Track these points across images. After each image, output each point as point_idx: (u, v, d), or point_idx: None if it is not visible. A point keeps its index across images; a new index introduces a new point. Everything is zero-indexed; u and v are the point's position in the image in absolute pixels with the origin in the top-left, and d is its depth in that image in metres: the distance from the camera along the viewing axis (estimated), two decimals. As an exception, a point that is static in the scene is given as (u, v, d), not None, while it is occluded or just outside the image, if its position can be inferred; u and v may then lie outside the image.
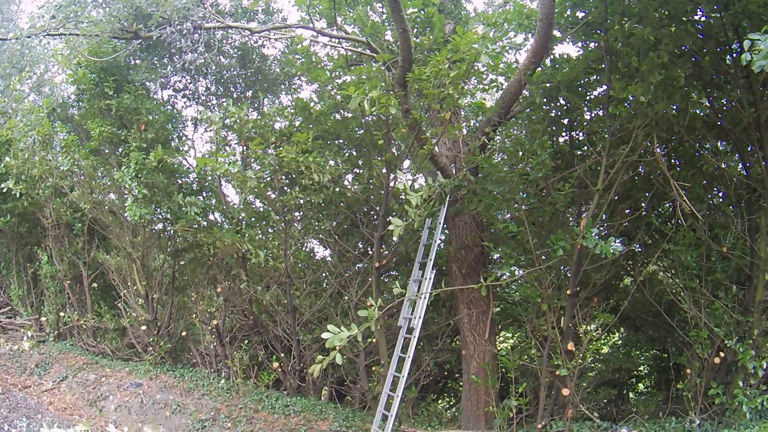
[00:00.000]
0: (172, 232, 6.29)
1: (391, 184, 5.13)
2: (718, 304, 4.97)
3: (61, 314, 8.03)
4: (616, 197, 5.50)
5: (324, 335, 4.05)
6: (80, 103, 7.14)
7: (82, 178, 6.97)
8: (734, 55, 4.81)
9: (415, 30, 5.43)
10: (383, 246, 5.57)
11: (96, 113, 6.60)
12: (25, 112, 7.30)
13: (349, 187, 5.83)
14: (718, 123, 5.38)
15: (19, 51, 7.59)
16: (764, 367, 4.73)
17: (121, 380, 6.98)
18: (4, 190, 7.34)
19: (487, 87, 5.13)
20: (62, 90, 7.98)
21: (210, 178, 6.43)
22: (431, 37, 5.21)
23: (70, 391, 7.06)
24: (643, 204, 5.85)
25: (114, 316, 7.49)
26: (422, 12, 5.38)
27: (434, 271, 4.93)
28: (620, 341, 7.79)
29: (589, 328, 5.85)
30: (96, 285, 8.01)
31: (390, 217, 4.71)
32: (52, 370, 7.57)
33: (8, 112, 8.24)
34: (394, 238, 4.74)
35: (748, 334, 4.86)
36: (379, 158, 5.29)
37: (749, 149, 5.22)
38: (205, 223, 6.07)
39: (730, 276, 5.16)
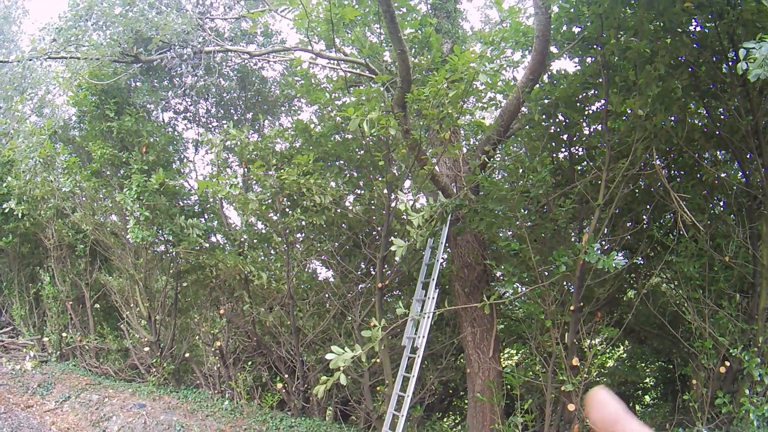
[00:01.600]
0: (174, 254, 6.30)
1: (393, 204, 5.14)
2: (722, 314, 4.95)
3: (64, 335, 8.01)
4: (618, 211, 5.51)
5: (328, 356, 4.04)
6: (81, 125, 7.19)
7: (84, 199, 7.00)
8: (730, 63, 4.84)
9: (413, 50, 5.47)
10: (386, 266, 5.57)
11: (97, 135, 6.64)
12: (27, 133, 7.34)
13: (350, 208, 5.84)
14: (717, 132, 5.41)
15: (21, 73, 7.66)
16: (770, 374, 4.70)
17: (124, 401, 6.95)
18: (6, 211, 7.37)
19: (485, 105, 5.16)
20: (63, 112, 8.02)
21: (211, 200, 6.45)
22: (429, 57, 5.25)
23: (73, 411, 7.02)
24: (644, 217, 5.86)
25: (117, 337, 7.47)
26: (419, 32, 5.43)
27: (437, 290, 4.93)
28: (625, 354, 7.75)
29: (593, 342, 5.83)
30: (98, 306, 8.00)
31: (392, 238, 4.71)
32: (54, 390, 7.53)
33: (10, 133, 8.30)
34: (397, 259, 4.75)
35: (753, 342, 4.84)
36: (380, 179, 5.30)
37: (748, 157, 5.24)
38: (207, 245, 6.08)
39: (733, 285, 5.15)
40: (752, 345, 4.81)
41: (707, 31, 4.83)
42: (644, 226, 5.76)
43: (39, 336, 8.45)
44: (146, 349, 6.86)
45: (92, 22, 6.59)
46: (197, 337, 6.81)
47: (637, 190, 5.63)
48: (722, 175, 5.52)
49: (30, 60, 6.78)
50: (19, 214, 7.30)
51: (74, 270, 7.86)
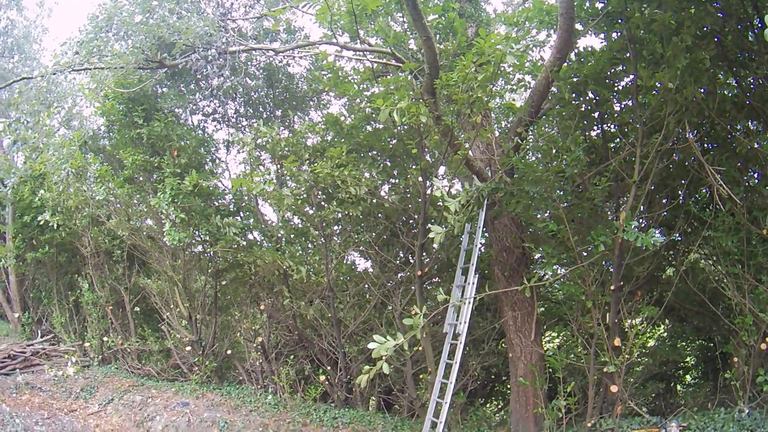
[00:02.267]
0: (212, 253, 6.41)
1: (428, 191, 5.14)
2: (762, 289, 4.84)
3: (105, 339, 8.22)
4: (653, 187, 5.41)
5: (370, 345, 4.07)
6: (111, 134, 7.34)
7: (118, 206, 7.15)
8: (756, 31, 4.71)
9: (438, 36, 5.44)
10: (424, 254, 5.58)
11: (127, 142, 6.77)
12: (57, 146, 7.52)
13: (386, 197, 5.85)
14: (747, 102, 5.27)
15: (46, 87, 7.85)
16: (813, 349, 4.59)
17: (167, 400, 7.08)
18: (42, 223, 7.57)
19: (515, 87, 5.12)
20: (92, 122, 8.20)
21: (246, 198, 6.53)
22: (455, 42, 5.22)
23: (117, 413, 7.19)
24: (680, 192, 5.74)
25: (158, 338, 7.64)
26: (443, 18, 5.39)
27: (477, 275, 4.92)
28: (666, 333, 7.63)
29: (634, 322, 5.76)
30: (138, 309, 8.19)
31: (429, 225, 4.72)
32: (97, 393, 7.71)
33: (40, 146, 8.53)
34: (435, 246, 4.75)
35: None
36: (414, 167, 5.31)
37: (781, 126, 5.09)
38: (244, 243, 6.17)
39: None
40: None
41: None
42: (680, 201, 5.65)
43: (80, 342, 8.69)
44: (188, 348, 7.00)
45: (113, 33, 6.70)
46: (238, 334, 6.93)
47: (671, 165, 5.52)
48: (755, 146, 5.36)
49: (53, 74, 6.93)
50: (54, 225, 7.51)
51: (112, 275, 8.06)
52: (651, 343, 7.31)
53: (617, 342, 4.93)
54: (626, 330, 5.21)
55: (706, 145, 5.85)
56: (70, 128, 9.06)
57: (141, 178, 6.83)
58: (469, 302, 4.86)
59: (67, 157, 7.23)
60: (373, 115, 5.13)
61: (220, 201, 6.73)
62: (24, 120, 8.40)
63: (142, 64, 6.29)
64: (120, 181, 6.68)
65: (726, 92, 5.48)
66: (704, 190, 5.81)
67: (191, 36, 5.74)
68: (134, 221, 7.07)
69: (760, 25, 4.57)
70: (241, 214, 6.87)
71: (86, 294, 8.09)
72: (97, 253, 7.95)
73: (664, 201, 5.92)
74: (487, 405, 7.80)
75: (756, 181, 5.86)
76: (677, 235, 5.82)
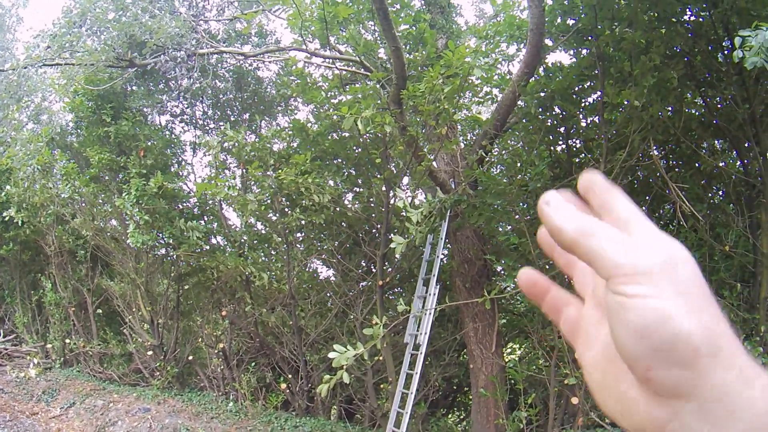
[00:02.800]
0: (175, 257, 6.30)
1: (391, 201, 5.14)
2: (723, 303, 4.94)
3: (67, 341, 8.03)
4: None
5: (330, 355, 4.05)
6: (79, 131, 7.20)
7: (83, 205, 7.00)
8: (726, 52, 4.84)
9: (408, 46, 5.47)
10: (386, 264, 5.57)
11: (95, 140, 6.64)
12: (24, 141, 7.34)
13: (349, 206, 5.84)
14: (714, 121, 5.41)
15: (16, 81, 7.66)
16: (774, 365, 4.70)
17: (129, 405, 6.96)
18: (6, 219, 7.37)
19: (481, 100, 5.16)
20: (60, 118, 8.03)
21: (211, 202, 6.45)
22: (424, 52, 5.24)
23: (78, 417, 7.03)
24: (643, 208, 5.85)
25: (120, 341, 7.49)
26: (414, 28, 5.42)
27: (438, 286, 4.93)
28: (628, 345, 7.74)
29: (596, 334, 5.81)
30: (101, 311, 8.02)
31: (392, 235, 4.72)
32: (59, 396, 7.55)
33: (7, 141, 8.31)
34: (397, 256, 4.75)
35: (755, 331, 4.84)
36: (378, 176, 5.30)
37: (746, 146, 5.23)
38: (207, 248, 6.09)
39: (733, 274, 5.14)
40: (754, 334, 4.81)
41: (702, 20, 4.83)
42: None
43: (42, 343, 8.47)
44: (149, 353, 6.87)
45: (86, 28, 6.59)
46: (200, 340, 6.83)
47: (635, 182, 5.62)
48: (720, 164, 5.50)
49: (25, 68, 6.78)
50: (19, 222, 7.31)
51: (76, 276, 7.87)
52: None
53: (578, 354, 4.97)
54: (588, 343, 5.27)
55: (670, 163, 5.98)
56: (39, 123, 8.86)
57: (107, 178, 6.69)
58: (430, 313, 4.86)
59: (35, 152, 7.06)
60: (340, 123, 5.12)
61: (184, 204, 6.63)
62: (-6, 116, 8.18)
63: (113, 61, 6.18)
64: (86, 180, 6.54)
65: (693, 111, 5.62)
66: (667, 206, 5.92)
67: (163, 36, 5.66)
68: (98, 221, 6.92)
69: (729, 46, 4.69)
70: (205, 218, 6.78)
71: (49, 294, 7.89)
72: (61, 252, 7.76)
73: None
74: (449, 416, 7.81)
75: (720, 198, 6.01)
76: (640, 249, 5.91)
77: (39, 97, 9.00)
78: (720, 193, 6.15)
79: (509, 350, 7.22)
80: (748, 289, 5.16)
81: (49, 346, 8.32)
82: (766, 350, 4.75)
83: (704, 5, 4.68)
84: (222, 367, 6.51)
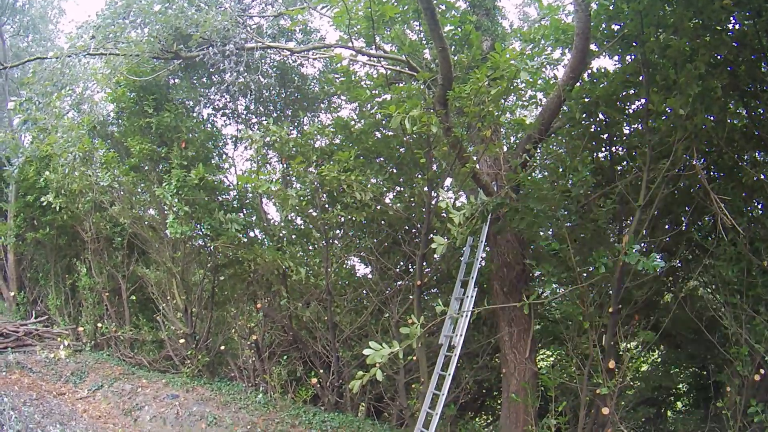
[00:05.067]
0: (212, 248, 6.39)
1: (433, 202, 5.14)
2: (759, 320, 4.84)
3: (99, 325, 8.19)
4: (657, 212, 5.41)
5: (365, 351, 4.07)
6: (120, 121, 7.34)
7: (122, 193, 7.15)
8: None
9: (453, 48, 5.46)
10: (425, 264, 5.57)
11: (136, 131, 6.77)
12: (66, 128, 7.53)
13: (390, 205, 5.85)
14: (756, 133, 5.29)
15: (59, 69, 7.86)
16: (805, 383, 4.59)
17: (157, 391, 7.05)
18: (44, 204, 7.57)
19: (526, 103, 5.13)
20: (102, 108, 8.21)
21: (251, 195, 6.53)
22: (469, 54, 5.23)
23: (106, 399, 7.16)
24: (683, 219, 5.75)
25: (152, 328, 7.61)
26: (459, 29, 5.41)
27: (476, 289, 4.91)
28: (660, 359, 7.62)
29: (630, 345, 5.74)
30: (134, 298, 8.17)
31: (432, 235, 4.72)
32: (87, 378, 7.68)
33: (48, 128, 8.54)
34: (436, 256, 4.75)
35: None
36: (421, 176, 5.31)
37: (788, 159, 5.10)
38: (245, 240, 6.16)
39: None
40: None
41: (746, 29, 4.72)
42: (683, 228, 5.66)
43: (74, 325, 8.66)
44: (181, 341, 6.98)
45: (130, 20, 6.71)
46: (233, 331, 6.91)
47: (676, 192, 5.52)
48: (762, 177, 5.36)
49: (69, 56, 6.94)
50: (57, 207, 7.50)
51: (111, 262, 8.04)
52: (645, 367, 7.30)
53: (612, 364, 4.91)
54: (621, 353, 5.21)
55: (712, 174, 5.85)
56: (80, 112, 9.07)
57: (147, 168, 6.82)
58: (467, 315, 4.85)
59: (75, 140, 7.22)
60: (384, 122, 5.14)
61: (224, 196, 6.72)
62: (35, 100, 8.42)
63: (157, 53, 6.29)
64: (126, 169, 6.67)
65: (735, 122, 5.50)
66: (708, 219, 5.81)
67: (209, 29, 5.74)
68: (137, 210, 7.06)
69: None
70: (244, 211, 6.86)
71: (83, 278, 8.08)
72: (98, 238, 7.94)
73: (666, 227, 5.92)
74: (477, 419, 7.77)
75: (760, 212, 5.86)
76: (678, 261, 5.82)
77: (81, 86, 9.25)
78: (760, 206, 5.99)
79: (542, 356, 7.16)
80: None
81: (80, 329, 8.50)
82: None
83: (748, 14, 4.57)
84: (253, 358, 6.58)
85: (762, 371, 4.78)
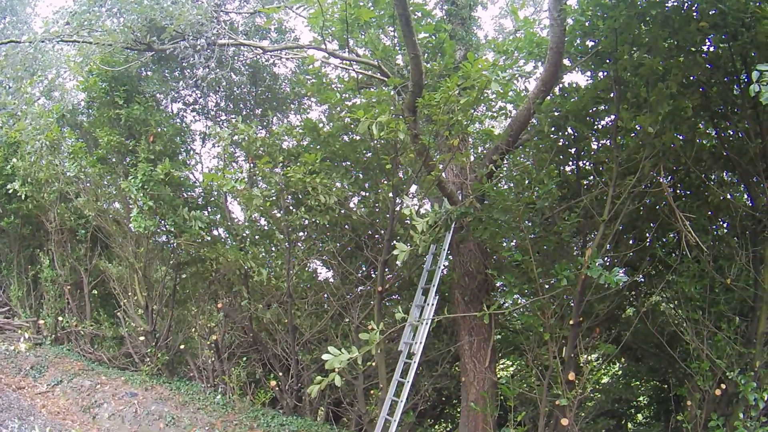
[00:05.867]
0: (175, 244, 6.28)
1: (398, 208, 5.13)
2: (721, 336, 4.94)
3: (60, 318, 8.00)
4: (621, 227, 5.49)
5: (324, 356, 4.04)
6: (90, 111, 7.18)
7: (88, 185, 6.99)
8: (742, 85, 4.82)
9: (426, 55, 5.46)
10: (387, 270, 5.55)
11: (105, 122, 6.62)
12: (35, 115, 7.33)
13: (354, 209, 5.83)
14: (725, 154, 5.40)
15: (32, 55, 7.65)
16: (765, 399, 4.71)
17: (116, 389, 6.93)
18: (10, 191, 7.36)
19: (495, 114, 5.16)
20: (72, 96, 8.01)
21: (216, 193, 6.43)
22: (442, 62, 5.24)
23: (65, 395, 7.01)
24: (648, 235, 5.84)
25: (113, 324, 7.45)
26: (433, 37, 5.42)
27: (437, 297, 4.91)
28: (621, 371, 7.73)
29: (590, 357, 5.80)
30: (96, 292, 7.99)
31: (395, 242, 4.70)
32: (47, 373, 7.51)
33: (18, 114, 8.29)
34: (398, 263, 4.74)
35: (750, 366, 4.83)
36: (387, 182, 5.29)
37: (755, 180, 5.22)
38: (208, 238, 6.07)
39: (733, 308, 5.14)
40: (749, 369, 4.80)
41: (720, 51, 4.81)
42: (647, 243, 5.75)
43: (35, 318, 8.44)
44: (141, 338, 6.84)
45: (106, 8, 6.58)
46: (193, 330, 6.80)
47: (642, 208, 5.61)
48: (728, 196, 5.49)
49: (42, 42, 6.76)
50: (23, 196, 7.30)
51: (74, 255, 7.85)
52: (605, 379, 7.39)
53: (572, 376, 4.95)
54: (581, 365, 5.26)
55: (678, 192, 5.96)
56: (51, 99, 8.84)
57: (114, 160, 6.67)
58: (427, 323, 4.84)
59: (44, 128, 7.04)
60: (352, 126, 5.11)
61: (189, 193, 6.60)
62: (6, 85, 8.18)
63: (131, 44, 6.15)
64: (93, 160, 6.52)
65: (704, 142, 5.61)
66: (672, 235, 5.92)
67: (183, 23, 5.65)
68: (102, 202, 6.90)
69: (746, 79, 4.68)
70: (209, 209, 6.75)
71: (46, 270, 7.87)
72: (62, 230, 7.74)
73: (631, 242, 6.01)
74: (436, 426, 7.77)
75: (725, 230, 5.99)
76: (641, 276, 5.90)
77: (53, 72, 9.01)
78: (725, 225, 6.13)
79: (502, 366, 7.20)
80: (746, 324, 5.15)
81: (41, 321, 8.29)
82: (759, 385, 4.74)
83: (724, 36, 4.66)
84: (213, 359, 6.48)
85: (723, 386, 4.88)
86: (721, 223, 6.18)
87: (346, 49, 5.23)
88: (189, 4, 5.78)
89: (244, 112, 6.92)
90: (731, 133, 5.53)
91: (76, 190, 7.12)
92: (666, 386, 7.00)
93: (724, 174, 6.02)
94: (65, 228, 7.77)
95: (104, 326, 7.46)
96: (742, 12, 4.15)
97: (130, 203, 6.21)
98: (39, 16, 12.71)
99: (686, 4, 4.47)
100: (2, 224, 8.27)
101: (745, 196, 5.66)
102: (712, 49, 4.91)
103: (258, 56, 6.14)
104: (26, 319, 8.52)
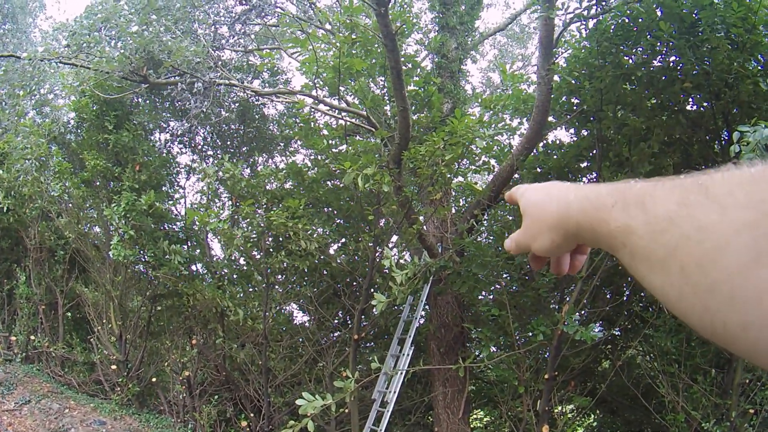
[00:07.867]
0: (152, 276, 6.22)
1: (377, 258, 5.15)
2: (697, 388, 4.95)
3: (32, 337, 7.83)
4: (598, 283, 5.55)
5: (298, 401, 4.01)
6: (79, 131, 7.16)
7: (71, 206, 6.93)
8: (723, 143, 4.92)
9: (414, 107, 5.56)
10: (363, 318, 5.55)
11: (93, 145, 6.61)
12: (27, 133, 7.29)
13: (334, 256, 5.85)
14: None
15: (30, 73, 7.65)
16: (741, 449, 4.70)
17: (85, 415, 6.77)
18: (-8, 202, 7.26)
19: (479, 169, 5.26)
20: (63, 114, 7.99)
21: (196, 228, 6.42)
22: (429, 115, 5.34)
23: (32, 416, 6.82)
24: (625, 290, 5.91)
25: (85, 349, 7.31)
26: (422, 90, 5.53)
27: (413, 347, 4.91)
28: (596, 423, 7.71)
29: (565, 410, 5.80)
30: (70, 315, 7.85)
31: (373, 291, 4.71)
32: (15, 391, 7.32)
33: (6, 125, 8.23)
34: (375, 312, 4.75)
35: (726, 416, 4.83)
36: (368, 231, 5.32)
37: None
38: (186, 273, 6.03)
39: (709, 360, 5.16)
40: (725, 419, 4.81)
41: (702, 110, 4.92)
42: (624, 299, 5.81)
43: (6, 334, 8.24)
44: (113, 366, 6.71)
45: (106, 34, 6.63)
46: (166, 364, 6.68)
47: (620, 265, 5.68)
48: None
49: (41, 60, 6.79)
50: (5, 208, 7.22)
51: (51, 275, 7.73)
52: (580, 431, 7.37)
53: (545, 429, 4.94)
54: (556, 417, 5.25)
55: (656, 248, 6.05)
56: (41, 114, 8.81)
57: (98, 184, 6.63)
58: (402, 373, 4.83)
59: (35, 148, 7.00)
60: (337, 173, 5.15)
61: (171, 226, 6.57)
62: (1, 101, 8.15)
63: (127, 74, 6.20)
64: (77, 182, 6.48)
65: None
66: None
67: (180, 59, 5.71)
68: (83, 226, 6.83)
69: (727, 136, 4.78)
70: (189, 244, 6.72)
71: (21, 287, 7.73)
72: (41, 248, 7.63)
73: (608, 296, 6.07)
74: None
75: (702, 286, 6.06)
76: (617, 330, 5.95)
77: (46, 88, 8.99)
78: (702, 281, 6.21)
79: (476, 417, 7.15)
80: (722, 375, 5.18)
81: (13, 338, 8.10)
82: (736, 434, 4.75)
83: (707, 95, 4.78)
84: (184, 394, 6.35)
85: (699, 437, 4.88)
86: (699, 278, 6.25)
87: (337, 97, 5.31)
88: (187, 41, 5.85)
89: (231, 150, 6.95)
90: (712, 190, 5.63)
91: (59, 210, 7.05)
92: (641, 438, 6.99)
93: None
94: (44, 246, 7.67)
95: (76, 350, 7.31)
96: (725, 72, 4.26)
97: (111, 230, 6.16)
98: (38, 29, 12.73)
99: (671, 65, 4.60)
100: (-20, 236, 8.14)
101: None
102: (694, 108, 5.02)
103: (249, 95, 6.22)
104: (-3, 334, 8.32)
